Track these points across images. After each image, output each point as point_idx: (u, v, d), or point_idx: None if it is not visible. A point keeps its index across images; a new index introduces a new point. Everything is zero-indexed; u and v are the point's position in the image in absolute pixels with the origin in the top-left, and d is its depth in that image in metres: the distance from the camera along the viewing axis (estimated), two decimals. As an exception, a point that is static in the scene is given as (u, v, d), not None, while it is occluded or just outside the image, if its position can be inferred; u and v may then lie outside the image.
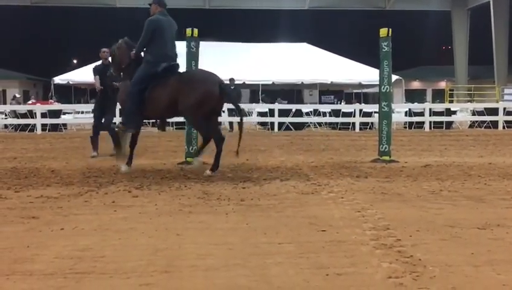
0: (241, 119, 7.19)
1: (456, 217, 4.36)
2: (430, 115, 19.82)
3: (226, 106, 19.64)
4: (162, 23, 7.03)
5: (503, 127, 19.51)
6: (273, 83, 27.47)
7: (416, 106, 21.63)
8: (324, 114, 21.21)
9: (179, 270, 3.05)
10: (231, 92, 6.99)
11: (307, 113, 20.92)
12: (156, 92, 6.88)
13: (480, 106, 21.76)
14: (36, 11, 41.27)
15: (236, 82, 20.58)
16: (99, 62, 9.91)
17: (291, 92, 35.31)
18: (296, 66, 27.66)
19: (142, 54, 7.22)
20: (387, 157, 8.49)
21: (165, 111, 7.08)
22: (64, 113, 21.39)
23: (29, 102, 24.58)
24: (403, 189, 5.82)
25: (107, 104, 9.53)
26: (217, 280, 2.90)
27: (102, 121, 9.64)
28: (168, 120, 18.28)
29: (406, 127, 20.73)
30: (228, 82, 20.26)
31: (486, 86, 34.78)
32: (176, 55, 7.23)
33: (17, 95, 27.23)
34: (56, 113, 19.82)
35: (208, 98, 6.73)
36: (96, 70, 9.70)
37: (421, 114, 20.07)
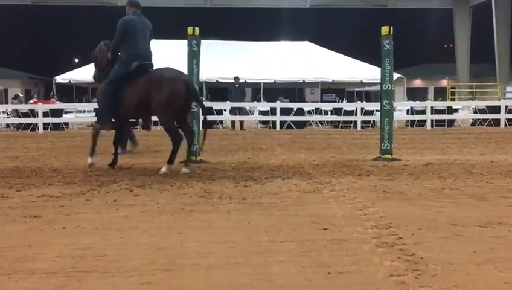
0: (205, 118, 7.40)
1: (457, 215, 4.35)
2: (431, 113, 19.82)
3: (230, 105, 19.73)
4: (134, 23, 7.16)
5: (505, 125, 19.50)
6: (274, 81, 27.46)
7: (418, 104, 21.65)
8: (326, 112, 21.21)
9: (181, 269, 3.05)
10: (196, 90, 7.19)
11: (309, 112, 20.95)
12: (128, 91, 6.98)
13: (482, 104, 21.75)
14: (37, 10, 41.36)
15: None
16: None
17: (293, 91, 35.32)
18: (298, 65, 27.65)
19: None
20: (389, 156, 8.48)
21: (136, 110, 7.14)
22: (66, 112, 21.43)
23: (31, 101, 24.63)
24: (404, 187, 5.82)
25: None
26: (219, 279, 2.90)
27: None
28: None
29: (407, 126, 20.74)
30: (233, 80, 20.31)
31: (488, 84, 34.78)
32: (150, 54, 7.32)
33: (20, 95, 27.28)
34: (58, 112, 19.87)
35: (174, 97, 6.79)
36: None
37: (423, 112, 20.05)
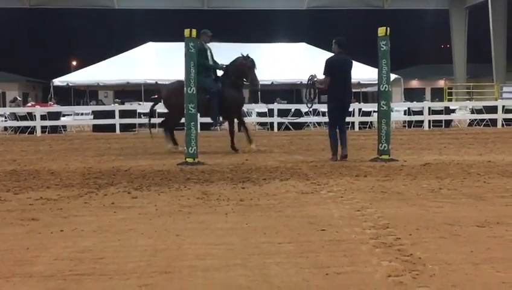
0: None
1: (455, 215, 4.36)
2: (429, 114, 19.85)
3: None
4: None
5: (502, 125, 19.53)
6: (272, 83, 27.45)
7: (415, 105, 21.65)
8: (323, 114, 21.18)
9: (179, 271, 3.05)
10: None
11: (306, 113, 20.91)
12: None
13: (479, 104, 21.78)
14: (35, 13, 41.30)
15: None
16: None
17: (291, 92, 35.30)
18: (295, 66, 27.62)
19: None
20: (386, 156, 8.48)
21: None
22: (64, 115, 21.41)
23: (28, 104, 24.58)
24: (402, 188, 5.82)
25: None
26: (217, 280, 2.90)
27: None
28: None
29: (405, 126, 20.78)
30: None
31: (485, 84, 34.86)
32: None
33: (18, 98, 27.25)
34: (56, 115, 19.85)
35: None
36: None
37: (420, 113, 20.09)
